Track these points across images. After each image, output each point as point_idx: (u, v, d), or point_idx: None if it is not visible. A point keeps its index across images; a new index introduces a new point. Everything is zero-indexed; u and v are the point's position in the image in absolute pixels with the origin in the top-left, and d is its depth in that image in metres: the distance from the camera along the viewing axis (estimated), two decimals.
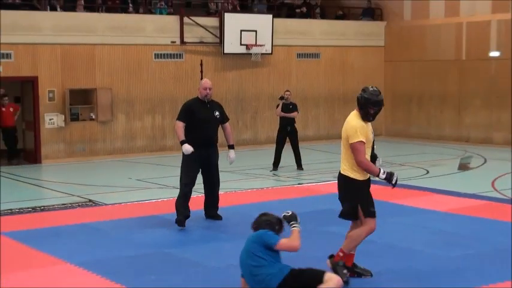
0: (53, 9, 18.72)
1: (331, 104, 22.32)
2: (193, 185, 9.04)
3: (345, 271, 6.51)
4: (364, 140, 6.46)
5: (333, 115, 22.31)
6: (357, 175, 6.58)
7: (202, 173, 9.15)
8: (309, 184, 13.22)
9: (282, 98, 16.09)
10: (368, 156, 6.63)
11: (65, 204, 11.86)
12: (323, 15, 23.51)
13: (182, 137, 8.82)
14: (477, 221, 9.13)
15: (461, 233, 8.40)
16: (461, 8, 21.21)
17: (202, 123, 8.84)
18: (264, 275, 5.68)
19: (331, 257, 6.67)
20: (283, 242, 5.78)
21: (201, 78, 19.55)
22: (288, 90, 16.66)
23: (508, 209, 9.95)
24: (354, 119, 6.63)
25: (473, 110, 20.85)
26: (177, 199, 9.00)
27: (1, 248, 7.83)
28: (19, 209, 11.33)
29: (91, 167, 17.17)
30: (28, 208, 11.39)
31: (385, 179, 6.57)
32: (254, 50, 20.26)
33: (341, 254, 6.62)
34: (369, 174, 6.64)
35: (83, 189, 13.56)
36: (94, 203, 11.97)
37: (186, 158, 8.87)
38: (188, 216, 8.85)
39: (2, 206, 11.64)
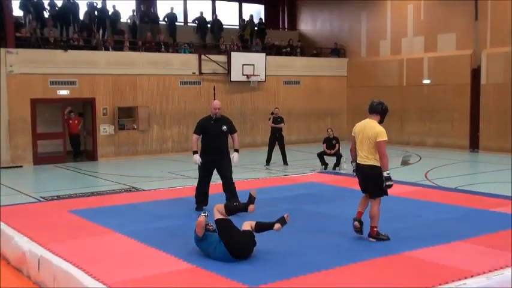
0: (107, 49, 18.77)
1: (308, 117, 22.38)
2: (208, 183, 8.71)
3: (384, 234, 6.67)
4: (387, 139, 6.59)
5: (309, 126, 22.41)
6: (378, 164, 6.63)
7: (219, 175, 8.73)
8: (292, 175, 13.21)
9: (272, 113, 16.14)
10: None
11: (114, 190, 11.91)
12: (302, 54, 23.54)
13: (194, 148, 8.65)
14: (414, 202, 9.14)
15: (402, 211, 8.40)
16: (403, 48, 21.32)
17: (213, 136, 8.54)
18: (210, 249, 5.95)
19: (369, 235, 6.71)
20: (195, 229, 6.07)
21: (214, 100, 19.74)
22: (277, 108, 16.71)
23: (437, 193, 9.99)
24: (377, 124, 6.72)
25: (411, 121, 20.93)
26: (195, 194, 8.74)
27: (69, 222, 7.83)
28: (82, 193, 11.37)
29: (133, 163, 17.18)
30: (88, 193, 11.43)
31: (386, 176, 6.60)
32: (252, 78, 20.35)
33: (375, 229, 6.67)
34: None
35: (128, 179, 13.59)
36: (136, 189, 12.00)
37: (202, 162, 8.57)
38: (205, 205, 8.54)
39: (69, 192, 11.67)
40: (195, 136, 8.67)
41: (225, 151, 8.69)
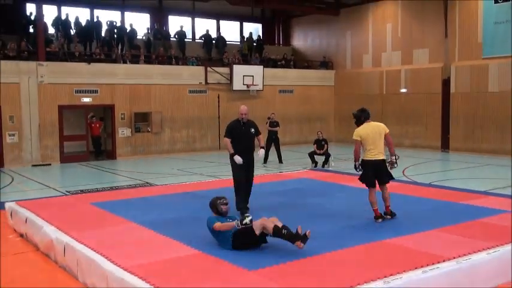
0: (125, 62, 18.73)
1: (300, 122, 22.35)
2: (245, 182, 7.93)
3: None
4: None
5: (301, 129, 22.35)
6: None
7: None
8: (286, 172, 13.17)
9: (269, 118, 16.10)
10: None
11: (130, 185, 11.84)
12: (295, 66, 23.48)
13: (232, 150, 7.85)
14: (393, 196, 8.96)
15: (383, 204, 8.32)
16: (382, 61, 21.30)
17: (244, 138, 7.95)
18: (219, 239, 5.80)
19: (385, 213, 7.10)
20: (217, 225, 5.75)
21: (218, 107, 19.74)
22: (273, 113, 16.69)
23: (413, 188, 9.95)
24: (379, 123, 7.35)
25: (390, 125, 20.37)
26: (238, 200, 7.83)
27: (91, 213, 7.78)
28: (102, 188, 11.31)
29: (147, 162, 17.12)
30: (108, 187, 11.37)
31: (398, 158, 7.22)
32: (252, 88, 20.35)
33: (390, 207, 7.13)
34: None
35: (143, 175, 13.52)
36: (150, 184, 11.93)
37: (234, 163, 7.89)
38: (247, 207, 7.78)
39: (91, 186, 11.61)
40: (228, 139, 7.94)
41: (252, 152, 8.09)
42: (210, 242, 5.95)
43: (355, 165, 7.29)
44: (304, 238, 5.49)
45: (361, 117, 7.25)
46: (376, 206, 7.06)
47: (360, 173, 7.27)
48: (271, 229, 5.54)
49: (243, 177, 7.90)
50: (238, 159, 7.76)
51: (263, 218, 5.73)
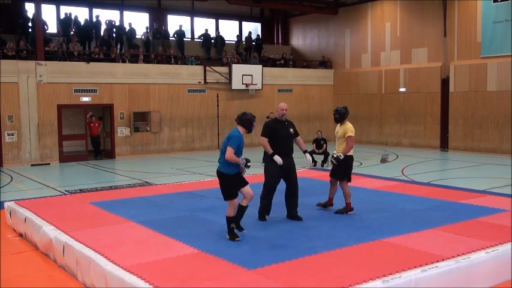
0: (124, 61, 18.71)
1: (299, 121, 22.18)
2: (275, 190, 7.20)
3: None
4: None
5: (300, 128, 21.89)
6: None
7: (284, 179, 7.21)
8: None
9: (268, 117, 15.98)
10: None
11: (129, 184, 11.82)
12: (294, 65, 23.47)
13: (271, 150, 7.03)
14: (392, 195, 9.09)
15: (382, 202, 8.36)
16: (381, 60, 21.29)
17: (283, 138, 7.14)
18: (223, 162, 6.12)
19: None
20: (230, 150, 6.01)
21: (217, 106, 19.71)
22: (272, 112, 16.53)
23: (412, 187, 9.95)
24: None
25: (389, 124, 20.87)
26: (263, 206, 7.13)
27: (90, 212, 7.78)
28: (101, 187, 11.29)
29: (146, 161, 17.10)
30: (107, 187, 11.35)
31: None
32: (251, 87, 20.30)
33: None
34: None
35: (141, 175, 13.51)
36: (148, 183, 11.92)
37: (271, 165, 7.09)
38: (268, 213, 7.18)
39: (91, 186, 11.60)
40: (265, 139, 7.12)
41: (292, 155, 7.26)
42: (209, 241, 5.95)
43: (338, 158, 7.42)
44: (232, 232, 6.08)
45: (345, 114, 7.64)
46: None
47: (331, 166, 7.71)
48: (234, 210, 6.12)
49: (277, 182, 7.14)
50: (278, 159, 6.96)
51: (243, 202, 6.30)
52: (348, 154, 7.50)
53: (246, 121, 6.26)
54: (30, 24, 18.01)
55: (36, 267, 6.06)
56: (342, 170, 7.50)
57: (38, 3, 16.77)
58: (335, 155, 7.48)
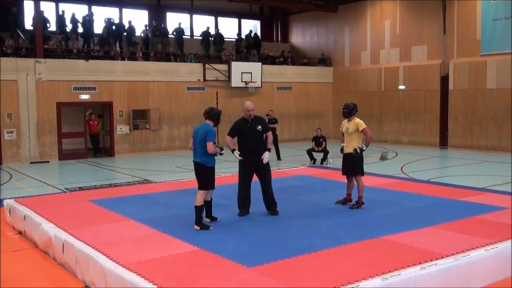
0: (123, 59, 18.69)
1: (298, 119, 22.35)
2: (248, 187, 7.35)
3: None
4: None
5: (300, 126, 22.34)
6: None
7: (258, 178, 7.38)
8: (285, 169, 13.16)
9: (267, 115, 16.04)
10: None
11: (129, 182, 11.83)
12: (293, 63, 23.46)
13: (231, 147, 7.30)
14: (391, 192, 9.10)
15: (381, 200, 8.35)
16: (381, 58, 21.28)
17: (248, 136, 7.31)
18: (202, 154, 6.64)
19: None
20: (211, 144, 6.54)
21: (217, 104, 19.71)
22: (271, 110, 16.66)
23: (412, 184, 9.96)
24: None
25: (388, 122, 20.88)
26: (238, 198, 7.39)
27: (90, 210, 7.78)
28: (100, 185, 11.30)
29: (146, 159, 17.10)
30: (106, 184, 11.35)
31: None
32: (250, 85, 20.28)
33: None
34: None
35: (141, 173, 13.52)
36: (148, 181, 11.92)
37: (241, 163, 7.32)
38: (247, 209, 7.34)
39: (90, 184, 11.60)
40: (228, 137, 7.38)
41: (262, 152, 7.28)
42: (208, 239, 5.95)
43: (361, 149, 7.66)
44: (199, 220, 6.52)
45: (354, 110, 7.80)
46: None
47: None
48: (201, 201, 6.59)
49: (247, 178, 7.29)
50: (236, 155, 7.25)
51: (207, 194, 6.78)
52: (359, 147, 7.60)
53: (214, 115, 6.84)
54: (23, 21, 17.92)
55: (35, 265, 6.06)
56: (355, 164, 7.74)
57: (37, 0, 16.74)
58: (357, 149, 7.65)
